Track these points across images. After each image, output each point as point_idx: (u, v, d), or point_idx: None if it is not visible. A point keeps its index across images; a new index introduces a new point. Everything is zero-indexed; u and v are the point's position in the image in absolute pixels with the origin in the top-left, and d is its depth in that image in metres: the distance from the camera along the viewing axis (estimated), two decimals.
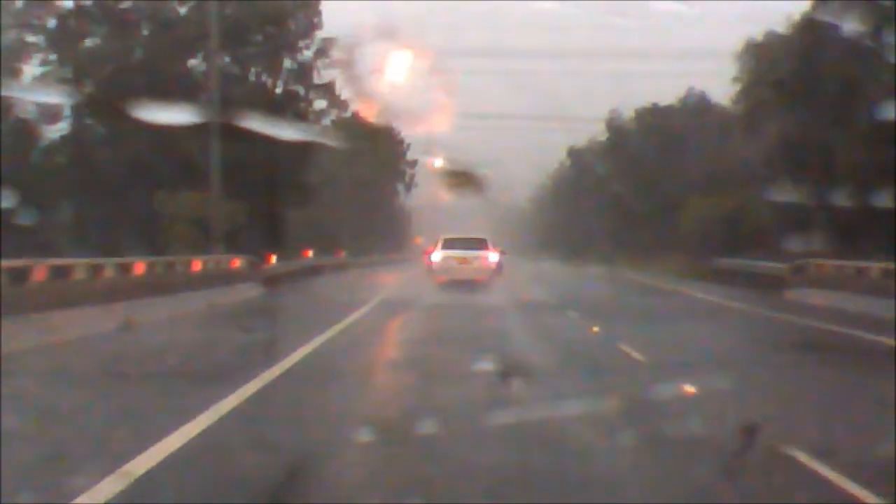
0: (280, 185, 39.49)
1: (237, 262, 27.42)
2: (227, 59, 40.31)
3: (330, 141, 66.71)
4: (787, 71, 33.28)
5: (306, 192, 43.33)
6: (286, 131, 40.57)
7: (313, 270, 36.14)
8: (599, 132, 74.59)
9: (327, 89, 67.47)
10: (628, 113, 69.14)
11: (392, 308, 22.71)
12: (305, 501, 6.23)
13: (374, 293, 26.98)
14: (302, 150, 42.80)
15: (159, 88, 38.50)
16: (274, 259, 32.62)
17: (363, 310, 21.64)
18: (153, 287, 19.16)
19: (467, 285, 30.38)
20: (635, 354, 13.38)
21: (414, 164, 76.78)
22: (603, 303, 25.89)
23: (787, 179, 37.94)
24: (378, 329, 18.20)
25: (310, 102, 44.31)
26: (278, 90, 43.65)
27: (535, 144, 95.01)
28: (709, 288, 30.28)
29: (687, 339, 16.58)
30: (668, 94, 66.79)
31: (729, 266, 34.73)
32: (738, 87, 41.24)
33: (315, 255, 43.99)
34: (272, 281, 28.92)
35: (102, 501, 5.88)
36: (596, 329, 17.50)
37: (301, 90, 44.13)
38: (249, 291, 25.84)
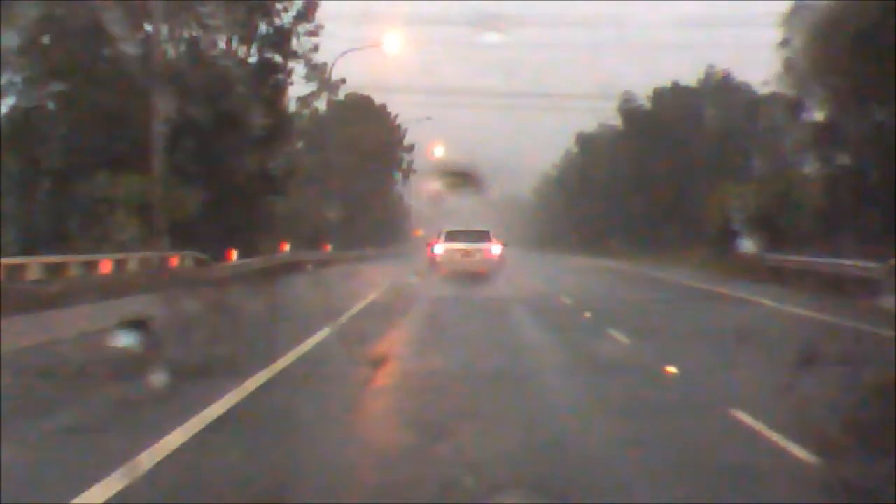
0: (249, 171, 33.73)
1: (177, 261, 21.63)
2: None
3: (312, 120, 61.62)
4: (859, 28, 27.43)
5: (282, 179, 37.49)
6: (259, 107, 35.08)
7: (284, 269, 30.24)
8: (610, 116, 69.17)
9: (318, 69, 62.39)
10: (639, 97, 63.63)
11: (364, 334, 14.62)
12: None
13: (350, 301, 21.02)
14: (277, 130, 37.11)
15: (111, 57, 33.00)
16: (235, 255, 26.86)
17: (317, 337, 13.76)
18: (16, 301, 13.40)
19: (472, 291, 25.04)
20: (793, 449, 6.97)
21: (411, 148, 71.07)
22: (659, 319, 18.57)
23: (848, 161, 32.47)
24: (321, 394, 9.76)
25: (289, 73, 38.43)
26: (252, 59, 37.80)
27: (538, 131, 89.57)
28: (777, 293, 23.70)
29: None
30: (679, 73, 61.32)
31: (788, 264, 28.64)
32: (784, 55, 35.30)
33: (294, 249, 38.18)
34: (221, 284, 23.04)
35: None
36: (673, 370, 10.90)
37: (279, 59, 38.24)
38: (152, 307, 16.58)
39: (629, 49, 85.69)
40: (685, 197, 51.59)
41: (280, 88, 37.65)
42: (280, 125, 37.21)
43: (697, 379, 10.68)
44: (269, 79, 37.60)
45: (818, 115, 35.55)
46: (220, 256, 26.35)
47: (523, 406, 8.97)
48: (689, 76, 60.45)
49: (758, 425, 7.81)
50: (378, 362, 11.19)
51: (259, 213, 33.98)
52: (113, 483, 5.90)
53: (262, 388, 9.52)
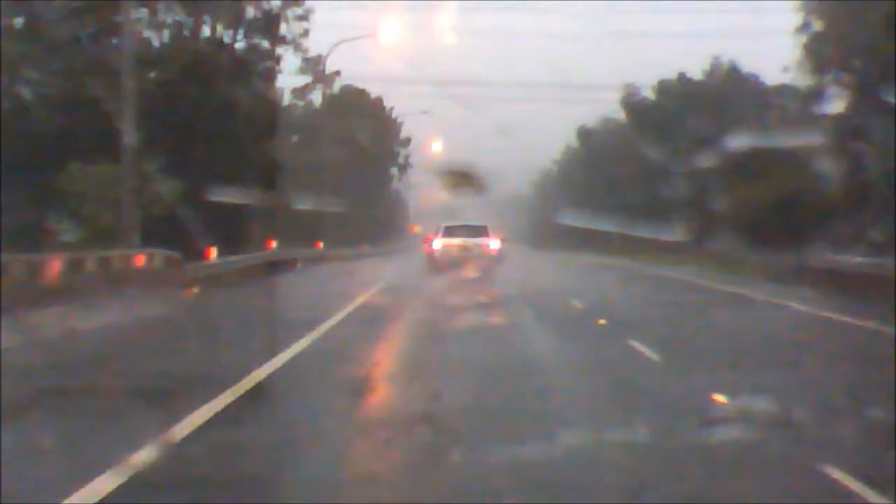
0: (235, 163, 31.51)
1: (143, 260, 19.43)
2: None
3: (307, 113, 59.45)
4: None
5: (270, 173, 35.22)
6: (245, 95, 32.93)
7: (269, 268, 27.95)
8: (612, 110, 66.91)
9: (313, 61, 60.27)
10: (643, 89, 61.35)
11: (346, 350, 12.33)
12: None
13: (336, 305, 18.83)
14: (266, 121, 34.92)
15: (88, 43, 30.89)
16: (214, 254, 24.65)
17: (288, 354, 11.49)
18: None
19: (472, 293, 22.98)
20: None
21: (408, 142, 68.91)
22: (686, 326, 15.93)
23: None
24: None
25: (277, 60, 36.21)
26: (239, 44, 35.59)
27: (537, 125, 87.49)
28: (804, 295, 21.16)
29: None
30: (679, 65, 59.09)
31: (824, 264, 25.93)
32: (803, 39, 33.07)
33: (282, 247, 35.93)
34: (190, 286, 20.79)
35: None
36: (721, 399, 8.75)
37: (266, 44, 36.03)
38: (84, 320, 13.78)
39: (633, 39, 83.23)
40: (698, 191, 49.39)
41: (268, 75, 35.42)
42: (269, 114, 35.02)
43: (759, 413, 8.26)
44: (257, 65, 35.41)
45: (838, 105, 33.44)
46: (198, 255, 24.14)
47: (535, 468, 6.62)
48: (696, 67, 58.31)
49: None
50: (358, 392, 9.04)
51: (245, 209, 31.69)
52: None
53: (194, 437, 7.01)
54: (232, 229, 29.67)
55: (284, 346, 11.88)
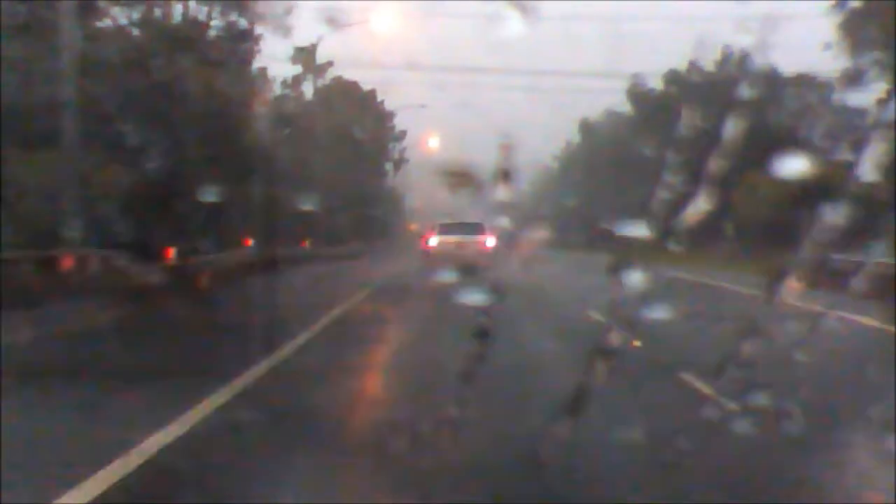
0: (207, 152, 28.15)
1: (70, 262, 15.98)
2: None
3: (298, 105, 56.15)
4: None
5: (248, 164, 31.87)
6: (216, 77, 29.65)
7: (239, 270, 24.31)
8: (616, 103, 63.74)
9: (305, 52, 57.06)
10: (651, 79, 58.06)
11: (299, 396, 9.02)
12: None
13: (304, 318, 15.46)
14: (244, 107, 31.61)
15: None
16: (173, 254, 21.25)
17: (214, 401, 8.25)
18: None
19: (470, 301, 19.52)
20: None
21: (403, 136, 65.66)
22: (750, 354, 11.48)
23: None
24: None
25: (256, 40, 32.81)
26: (214, 22, 32.21)
27: (536, 120, 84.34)
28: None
29: None
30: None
31: (856, 267, 22.77)
32: (837, 20, 29.80)
33: (264, 245, 32.51)
34: (124, 297, 17.05)
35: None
36: None
37: (244, 23, 32.65)
38: None
39: (640, 25, 79.86)
40: (711, 187, 46.12)
41: (246, 56, 32.06)
42: (247, 99, 31.70)
43: None
44: (236, 46, 32.06)
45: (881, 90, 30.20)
46: (155, 256, 20.80)
47: None
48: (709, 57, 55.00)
49: None
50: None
51: (218, 204, 28.23)
52: None
53: None
54: (200, 226, 26.33)
55: (212, 388, 8.51)
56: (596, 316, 15.73)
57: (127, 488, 5.65)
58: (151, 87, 27.17)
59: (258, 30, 32.38)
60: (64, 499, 5.40)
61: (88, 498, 5.42)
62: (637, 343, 12.46)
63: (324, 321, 14.97)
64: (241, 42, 32.45)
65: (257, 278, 21.92)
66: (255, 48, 32.42)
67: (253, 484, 5.75)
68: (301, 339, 12.43)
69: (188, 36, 29.64)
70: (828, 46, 32.40)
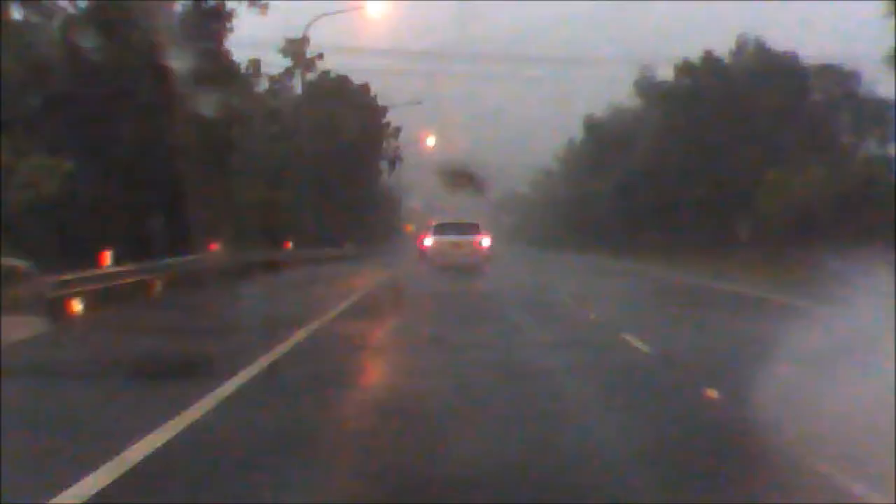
0: (164, 143, 24.56)
1: None
2: None
3: (284, 100, 52.70)
4: None
5: (217, 158, 28.28)
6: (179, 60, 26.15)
7: (195, 278, 20.45)
8: (623, 97, 60.18)
9: (293, 44, 53.59)
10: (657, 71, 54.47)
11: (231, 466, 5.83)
12: None
13: (264, 341, 11.87)
14: (211, 92, 28.04)
15: None
16: (108, 260, 17.59)
17: (98, 479, 5.32)
18: None
19: (467, 315, 16.10)
20: None
21: (397, 132, 62.16)
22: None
23: None
24: None
25: (228, 17, 29.10)
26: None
27: (536, 115, 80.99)
28: None
29: None
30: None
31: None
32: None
33: (239, 249, 28.90)
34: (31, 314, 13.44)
35: None
36: None
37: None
38: None
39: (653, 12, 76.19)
40: (729, 186, 42.61)
41: (216, 35, 28.43)
42: (216, 84, 28.10)
43: None
44: (203, 22, 28.44)
45: None
46: (88, 263, 17.16)
47: None
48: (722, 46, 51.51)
49: None
50: None
51: (178, 203, 24.54)
52: None
53: None
54: (154, 227, 22.69)
55: (90, 465, 5.05)
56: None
57: None
58: (108, 68, 23.72)
59: (230, 5, 28.74)
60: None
61: None
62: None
63: (277, 350, 11.35)
64: (212, 20, 28.85)
65: (214, 287, 18.25)
66: (227, 26, 28.70)
67: None
68: (226, 388, 8.54)
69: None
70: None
